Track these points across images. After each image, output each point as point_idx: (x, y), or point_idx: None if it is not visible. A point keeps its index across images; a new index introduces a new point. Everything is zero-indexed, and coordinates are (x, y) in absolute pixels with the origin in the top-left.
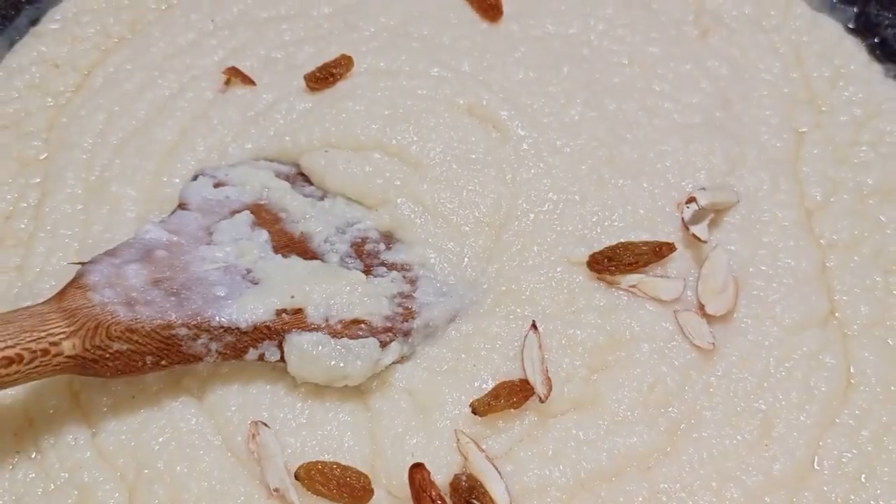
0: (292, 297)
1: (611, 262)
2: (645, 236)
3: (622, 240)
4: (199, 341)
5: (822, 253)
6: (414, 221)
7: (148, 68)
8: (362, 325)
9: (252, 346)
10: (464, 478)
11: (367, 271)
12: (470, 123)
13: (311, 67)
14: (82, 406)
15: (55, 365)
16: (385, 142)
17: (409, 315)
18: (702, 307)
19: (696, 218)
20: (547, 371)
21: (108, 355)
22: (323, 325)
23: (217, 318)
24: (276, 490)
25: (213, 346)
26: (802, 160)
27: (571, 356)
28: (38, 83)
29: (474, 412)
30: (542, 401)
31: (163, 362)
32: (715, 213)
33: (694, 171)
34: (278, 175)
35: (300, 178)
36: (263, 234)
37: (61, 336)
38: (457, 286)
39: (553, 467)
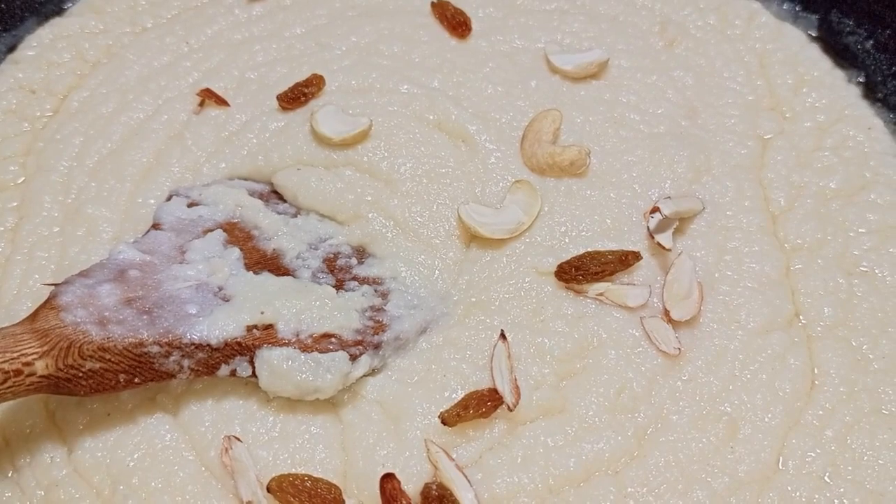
0: (262, 312)
1: (578, 272)
2: (612, 245)
3: (589, 249)
4: (171, 358)
5: (787, 257)
6: (385, 236)
7: (123, 91)
8: (332, 339)
9: (224, 363)
10: (434, 486)
11: (339, 286)
12: (439, 139)
13: (283, 87)
14: (58, 424)
15: (28, 385)
16: (356, 158)
17: (379, 328)
18: (667, 313)
19: (662, 227)
20: (516, 380)
21: (81, 374)
22: (293, 340)
23: (188, 335)
24: (249, 503)
25: (186, 362)
26: (767, 166)
27: (540, 364)
28: (15, 109)
29: (444, 423)
30: (510, 409)
31: (136, 380)
32: (680, 222)
33: (660, 181)
34: (252, 193)
35: (274, 195)
36: (235, 252)
37: (34, 356)
38: (428, 298)
39: (522, 474)
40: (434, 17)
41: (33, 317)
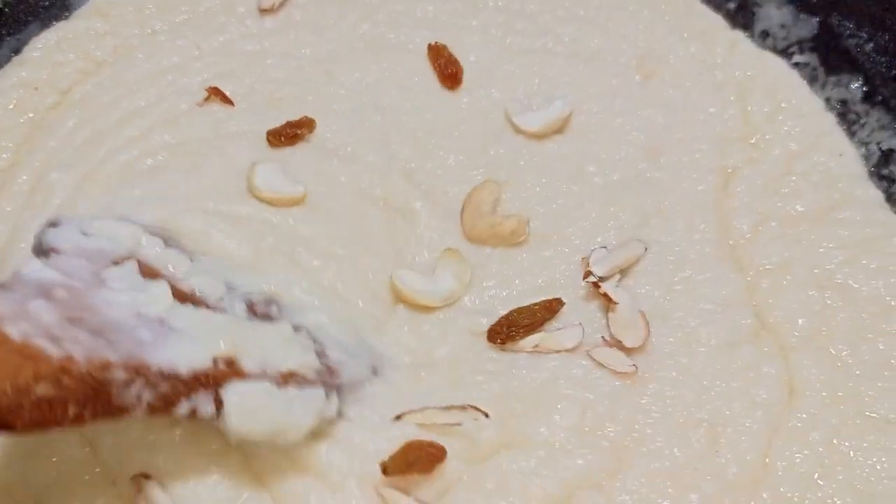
0: (228, 343)
1: (510, 329)
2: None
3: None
4: (133, 389)
5: (749, 278)
6: (293, 290)
7: (129, 85)
8: (300, 378)
9: (185, 397)
10: None
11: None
12: (376, 213)
13: (289, 107)
14: None
15: None
16: (281, 218)
17: (332, 372)
18: (618, 343)
19: (603, 279)
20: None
21: (27, 402)
22: (262, 375)
23: (156, 360)
24: None
25: (146, 395)
26: (731, 196)
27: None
28: (16, 105)
29: (384, 472)
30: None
31: (85, 413)
32: (622, 270)
33: (603, 231)
34: (148, 231)
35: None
36: (164, 284)
37: None
38: (362, 346)
39: (499, 499)
40: (429, 61)
41: None
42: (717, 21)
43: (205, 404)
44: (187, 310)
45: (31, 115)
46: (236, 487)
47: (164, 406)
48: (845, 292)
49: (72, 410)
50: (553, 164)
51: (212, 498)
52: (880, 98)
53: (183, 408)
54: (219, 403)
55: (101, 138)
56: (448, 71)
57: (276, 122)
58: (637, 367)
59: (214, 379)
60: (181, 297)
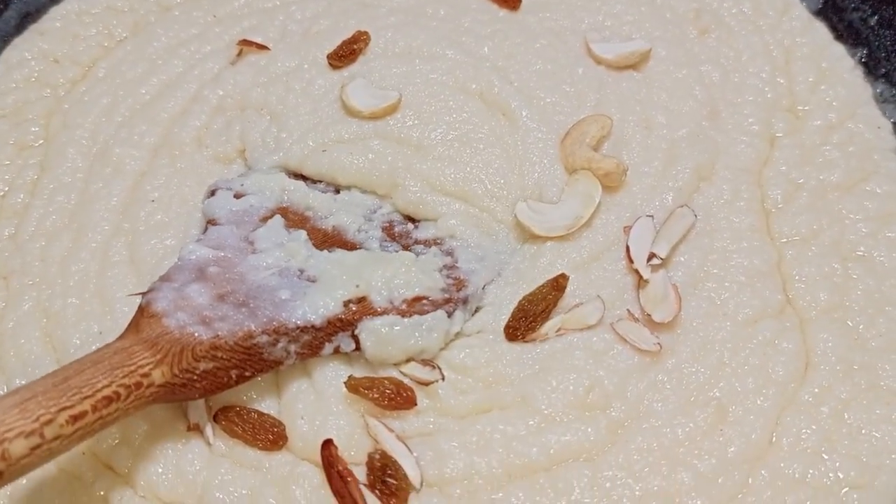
0: (357, 286)
1: (527, 321)
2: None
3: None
4: (279, 346)
5: (779, 249)
6: (426, 200)
7: (151, 59)
8: (424, 302)
9: (327, 341)
10: (377, 456)
11: (407, 251)
12: (476, 107)
13: (327, 39)
14: None
15: (148, 396)
16: (385, 129)
17: (460, 284)
18: (648, 317)
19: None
20: None
21: (195, 377)
22: (390, 308)
23: (292, 319)
24: (196, 425)
25: (292, 347)
26: (769, 165)
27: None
28: (38, 77)
29: (347, 388)
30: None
31: (246, 373)
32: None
33: (662, 192)
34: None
35: (308, 180)
36: (302, 234)
37: (149, 367)
38: (491, 247)
39: (478, 458)
40: None
41: (136, 328)
42: None
43: (346, 343)
44: (322, 256)
45: (52, 89)
46: None
47: (311, 352)
48: (867, 264)
49: (234, 374)
50: (631, 106)
51: None
52: (883, 71)
53: (327, 349)
54: (357, 340)
55: (148, 111)
56: None
57: (325, 52)
58: (661, 346)
59: (348, 322)
60: (320, 239)
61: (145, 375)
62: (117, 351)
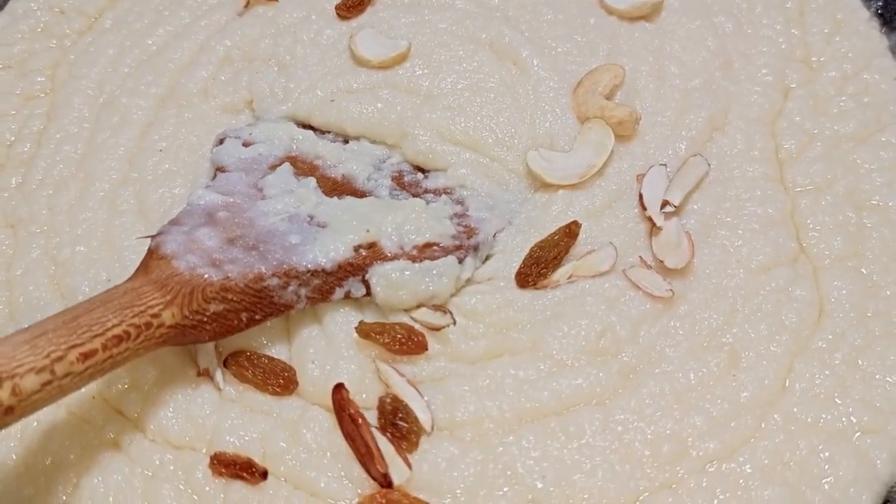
0: (367, 231)
1: (538, 268)
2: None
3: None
4: (290, 289)
5: (792, 198)
6: (436, 149)
7: (157, 10)
8: (435, 248)
9: (338, 286)
10: (388, 399)
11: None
12: (486, 56)
13: None
14: None
15: (158, 337)
16: (394, 78)
17: (471, 232)
18: (660, 263)
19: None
20: None
21: (206, 318)
22: (400, 254)
23: (303, 263)
24: (206, 371)
25: (303, 291)
26: (783, 115)
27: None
28: (43, 27)
29: (358, 332)
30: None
31: (257, 316)
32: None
33: (675, 141)
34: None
35: (316, 131)
36: (312, 181)
37: (159, 307)
38: (501, 195)
39: (489, 402)
40: None
41: (145, 270)
42: None
43: (356, 288)
44: (332, 203)
45: (58, 39)
46: None
47: (321, 297)
48: (881, 213)
49: (244, 316)
50: (645, 56)
51: None
52: None
53: (338, 294)
54: (367, 285)
55: (155, 62)
56: None
57: (333, 2)
58: (674, 293)
59: (359, 266)
60: (329, 187)
61: (155, 316)
62: (127, 291)
